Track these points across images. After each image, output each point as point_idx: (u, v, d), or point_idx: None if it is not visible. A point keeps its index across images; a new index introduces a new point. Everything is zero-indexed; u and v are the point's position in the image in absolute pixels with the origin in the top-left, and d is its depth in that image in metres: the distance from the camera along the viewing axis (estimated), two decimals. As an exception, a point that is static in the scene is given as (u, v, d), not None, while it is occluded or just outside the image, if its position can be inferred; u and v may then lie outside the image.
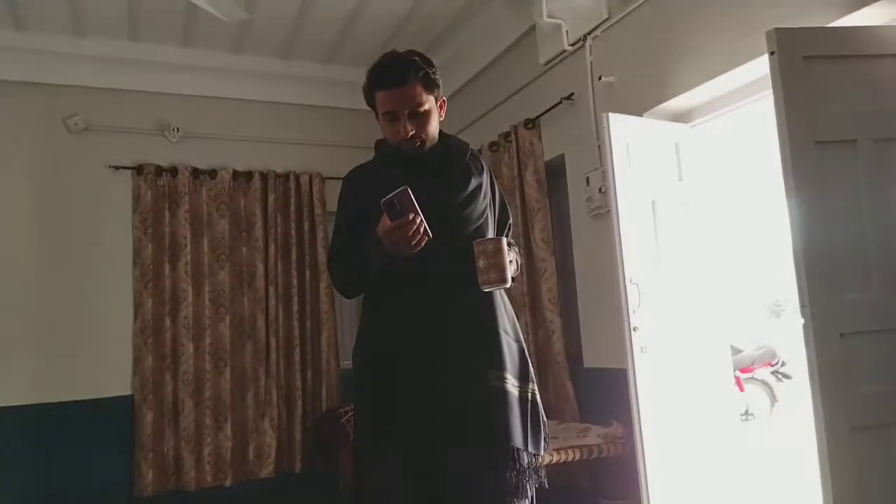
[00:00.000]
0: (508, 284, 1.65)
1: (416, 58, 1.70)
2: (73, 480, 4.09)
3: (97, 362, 4.24)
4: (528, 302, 3.83)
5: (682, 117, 3.19)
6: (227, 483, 4.37)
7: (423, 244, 1.59)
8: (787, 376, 5.89)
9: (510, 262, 1.66)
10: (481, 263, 1.62)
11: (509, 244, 1.74)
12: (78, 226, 4.34)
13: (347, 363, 4.96)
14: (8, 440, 3.99)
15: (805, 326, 2.01)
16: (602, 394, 3.44)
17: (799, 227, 2.07)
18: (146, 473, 4.18)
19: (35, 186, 4.28)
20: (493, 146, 4.18)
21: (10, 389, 4.03)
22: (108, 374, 4.25)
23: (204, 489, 4.32)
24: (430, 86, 1.71)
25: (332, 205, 4.85)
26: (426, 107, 1.70)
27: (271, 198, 4.77)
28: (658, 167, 3.02)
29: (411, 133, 1.70)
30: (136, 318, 4.33)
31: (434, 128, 1.76)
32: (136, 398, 4.25)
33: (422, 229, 1.57)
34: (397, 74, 1.67)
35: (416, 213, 1.56)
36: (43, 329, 4.17)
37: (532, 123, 3.91)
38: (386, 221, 1.58)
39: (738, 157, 3.10)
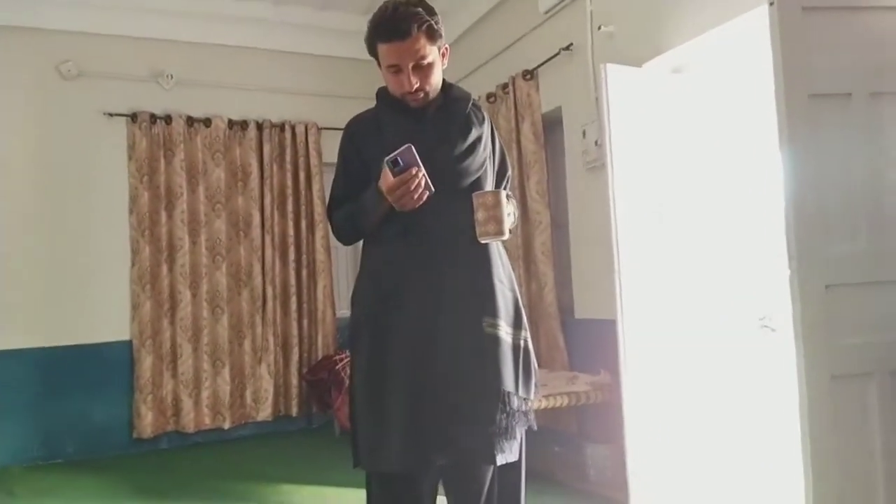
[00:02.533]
0: (506, 237, 1.68)
1: (420, 8, 1.68)
2: (74, 422, 4.20)
3: (96, 308, 4.30)
4: (521, 254, 3.87)
5: (680, 69, 3.16)
6: (226, 426, 4.49)
7: (424, 199, 1.62)
8: (771, 329, 6.01)
9: (508, 214, 1.68)
10: (480, 216, 1.64)
11: (508, 196, 1.76)
12: (74, 173, 4.33)
13: (343, 312, 5.03)
14: (11, 383, 4.08)
15: (791, 278, 2.05)
16: (591, 344, 3.51)
17: (790, 178, 2.08)
18: (145, 415, 4.28)
19: (30, 133, 4.26)
20: (491, 97, 4.15)
21: (13, 334, 4.10)
22: (107, 320, 4.31)
23: (203, 431, 4.44)
24: (434, 36, 1.70)
25: (328, 156, 4.91)
26: (430, 59, 1.70)
27: (267, 147, 4.75)
28: (654, 119, 3.01)
29: (416, 86, 1.70)
30: (133, 265, 4.37)
31: (437, 78, 1.76)
32: (135, 343, 4.33)
33: (423, 184, 1.60)
34: (401, 27, 1.65)
35: (419, 169, 1.58)
36: (43, 275, 4.22)
37: (530, 74, 3.88)
38: (389, 177, 1.60)
39: (732, 110, 3.08)
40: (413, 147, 1.58)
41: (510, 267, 1.85)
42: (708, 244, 3.06)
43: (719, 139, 3.15)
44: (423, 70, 1.70)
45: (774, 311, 2.98)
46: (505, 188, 1.88)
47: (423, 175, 1.59)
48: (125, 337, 4.34)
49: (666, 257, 2.94)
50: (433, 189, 1.62)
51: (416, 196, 1.61)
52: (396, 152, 1.57)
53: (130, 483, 3.65)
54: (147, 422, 4.29)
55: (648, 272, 2.88)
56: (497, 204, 1.64)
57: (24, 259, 4.18)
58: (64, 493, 3.51)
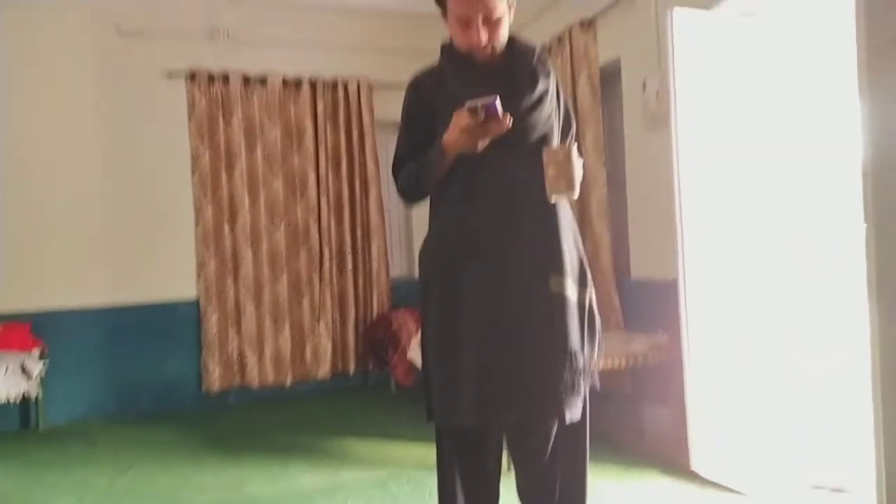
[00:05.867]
0: (576, 194, 1.64)
1: None
2: (147, 377, 4.43)
3: (164, 267, 4.48)
4: (577, 213, 3.77)
5: (751, 12, 2.97)
6: (287, 382, 4.66)
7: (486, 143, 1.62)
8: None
9: (577, 170, 1.63)
10: (551, 171, 1.61)
11: (578, 152, 1.72)
12: (137, 132, 4.45)
13: (397, 272, 5.09)
14: (87, 340, 4.31)
15: (867, 232, 1.95)
16: (647, 305, 3.45)
17: (868, 129, 1.96)
18: (213, 371, 4.48)
19: (93, 94, 4.38)
20: (546, 50, 4.02)
21: (87, 293, 4.32)
22: (175, 279, 4.49)
23: (266, 387, 4.62)
24: None
25: (381, 113, 4.89)
26: (500, 13, 1.67)
27: (320, 106, 4.77)
28: (722, 68, 2.86)
29: (485, 40, 1.67)
30: (197, 225, 4.51)
31: (505, 33, 1.73)
32: (202, 301, 4.50)
33: (504, 126, 1.59)
34: None
35: (500, 116, 1.57)
36: (112, 235, 4.39)
37: (588, 24, 3.73)
38: (464, 117, 1.58)
39: (808, 57, 2.89)
40: (498, 100, 1.55)
41: (575, 225, 1.83)
42: (774, 201, 2.93)
43: (792, 89, 2.98)
44: (493, 24, 1.67)
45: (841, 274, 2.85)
46: (571, 143, 1.83)
47: (507, 122, 1.58)
48: (192, 295, 4.51)
49: (728, 216, 2.83)
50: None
51: (487, 139, 1.60)
52: (482, 100, 1.54)
53: (202, 435, 3.84)
54: (215, 377, 4.49)
55: (710, 231, 2.78)
56: (568, 159, 1.60)
57: (94, 221, 4.35)
58: (140, 444, 3.72)
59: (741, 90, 2.92)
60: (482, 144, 1.62)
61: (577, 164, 1.63)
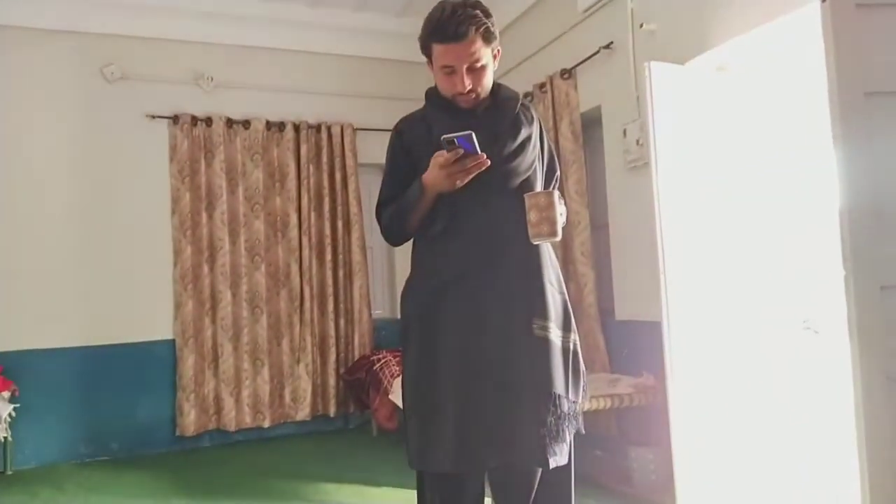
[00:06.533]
0: (558, 238, 1.67)
1: (478, 11, 1.67)
2: (119, 420, 4.30)
3: (141, 307, 4.40)
4: (560, 254, 3.85)
5: (725, 67, 3.12)
6: (266, 424, 4.56)
7: (466, 181, 1.63)
8: (815, 331, 5.91)
9: (560, 214, 1.67)
10: (533, 216, 1.64)
11: (559, 197, 1.75)
12: (117, 174, 4.43)
13: (379, 312, 5.07)
14: (58, 381, 4.18)
15: (846, 278, 2.00)
16: (633, 346, 3.48)
17: (844, 178, 2.04)
18: (188, 413, 4.36)
19: (75, 135, 4.36)
20: (528, 96, 4.14)
21: (60, 332, 4.21)
22: (151, 319, 4.41)
23: (244, 429, 4.51)
24: (490, 39, 1.70)
25: (364, 156, 4.95)
26: (484, 61, 1.70)
27: (304, 148, 4.80)
28: (699, 118, 2.98)
29: (469, 87, 1.70)
30: (175, 265, 4.45)
31: (489, 80, 1.76)
32: (178, 342, 4.41)
33: (481, 163, 1.61)
34: (459, 29, 1.64)
35: (477, 153, 1.59)
36: (89, 275, 4.31)
37: (568, 73, 3.86)
38: (442, 154, 1.60)
39: (779, 109, 3.02)
40: (474, 135, 1.57)
41: (559, 268, 1.84)
42: (752, 245, 3.01)
43: (765, 139, 3.10)
44: (477, 72, 1.70)
45: (818, 313, 2.92)
46: (554, 188, 1.87)
47: (485, 160, 1.60)
48: (168, 336, 4.42)
49: (710, 258, 2.90)
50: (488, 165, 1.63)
51: (469, 175, 1.62)
52: (456, 134, 1.56)
53: (175, 480, 3.72)
54: (190, 420, 4.37)
55: (692, 273, 2.84)
56: (550, 205, 1.63)
57: (70, 259, 4.28)
58: (110, 489, 3.60)
59: (718, 138, 3.03)
60: (460, 183, 1.63)
61: (560, 208, 1.66)
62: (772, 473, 2.81)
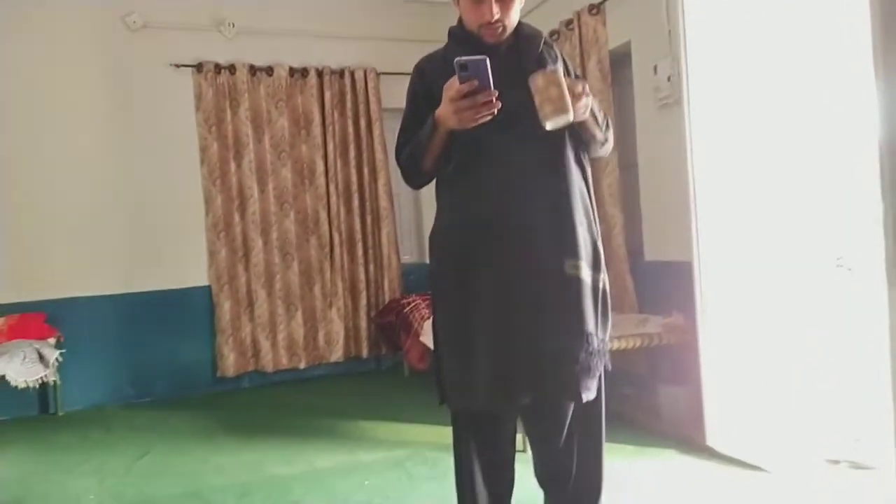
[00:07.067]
0: (568, 114, 1.53)
1: None
2: (162, 362, 4.48)
3: (177, 255, 4.52)
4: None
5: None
6: (301, 366, 4.71)
7: (484, 120, 1.56)
8: (847, 269, 5.83)
9: (566, 92, 1.54)
10: (537, 101, 1.54)
11: (565, 74, 1.66)
12: (146, 125, 4.47)
13: (407, 258, 5.12)
14: (103, 327, 4.35)
15: (885, 213, 1.96)
16: (661, 286, 3.48)
17: (884, 109, 1.97)
18: (227, 356, 4.53)
19: (102, 87, 4.39)
20: (554, 35, 4.03)
21: (100, 280, 4.35)
22: (188, 267, 4.53)
23: (280, 370, 4.67)
24: None
25: (388, 101, 4.91)
26: None
27: (327, 95, 4.77)
28: (734, 49, 2.87)
29: (497, 17, 1.66)
30: (207, 214, 4.53)
31: (516, 14, 1.71)
32: (214, 288, 4.54)
33: (490, 102, 1.52)
34: None
35: (489, 84, 1.50)
36: (126, 225, 4.43)
37: (597, 8, 3.73)
38: (454, 83, 1.54)
39: (824, 38, 2.88)
40: (488, 60, 1.49)
41: (591, 206, 1.79)
42: (785, 182, 2.94)
43: (803, 72, 2.98)
44: (506, 2, 1.66)
45: (852, 251, 2.87)
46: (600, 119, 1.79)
47: (493, 92, 1.52)
48: (204, 282, 4.55)
49: (741, 196, 2.85)
50: (495, 113, 1.55)
51: (478, 114, 1.54)
52: (468, 57, 1.49)
53: (217, 419, 3.89)
54: (229, 362, 4.53)
55: (723, 212, 2.80)
56: (548, 84, 1.53)
57: (106, 211, 4.38)
58: (156, 428, 3.77)
59: (753, 71, 2.93)
60: (472, 124, 1.56)
61: (562, 86, 1.54)
62: (801, 412, 2.82)
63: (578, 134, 1.78)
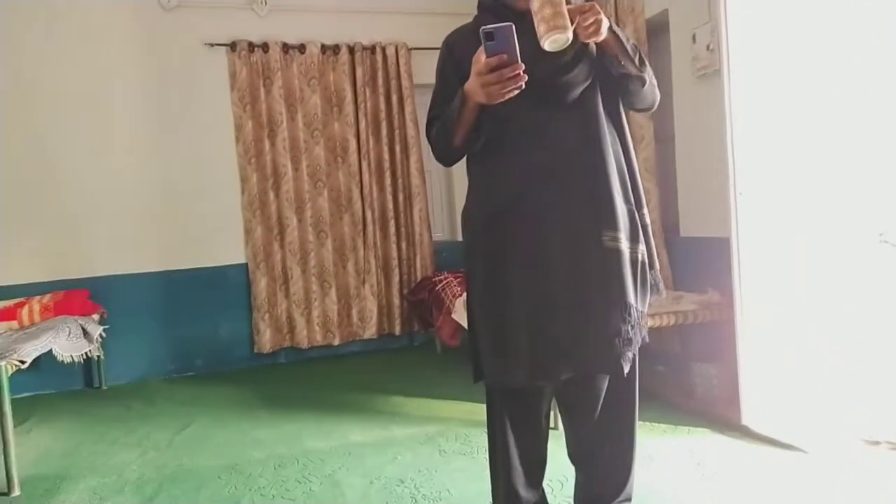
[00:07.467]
0: (567, 33, 1.45)
1: None
2: (201, 338, 4.59)
3: (214, 233, 4.60)
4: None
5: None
6: (336, 342, 4.78)
7: (512, 94, 1.51)
8: (892, 245, 5.62)
9: (588, 14, 1.48)
10: (535, 24, 1.48)
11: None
12: (181, 104, 4.53)
13: (439, 235, 5.12)
14: (145, 304, 4.48)
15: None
16: (697, 263, 3.41)
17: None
18: (264, 332, 4.62)
19: (139, 67, 4.45)
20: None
21: (141, 258, 4.47)
22: (225, 244, 4.61)
23: (315, 347, 4.75)
24: None
25: (419, 77, 4.86)
26: None
27: (359, 71, 4.76)
28: (775, 19, 2.76)
29: None
30: (243, 193, 4.59)
31: None
32: (251, 265, 4.61)
33: (518, 73, 1.47)
34: None
35: (515, 53, 1.45)
36: (163, 203, 4.52)
37: (633, -23, 3.62)
38: (481, 56, 1.49)
39: (868, 8, 2.74)
40: (514, 27, 1.44)
41: (629, 175, 1.73)
42: (827, 155, 2.84)
43: (848, 41, 2.85)
44: None
45: (894, 226, 2.76)
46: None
47: (519, 63, 1.46)
48: (241, 260, 4.63)
49: (781, 169, 2.76)
50: (522, 86, 1.49)
51: (505, 88, 1.49)
52: (494, 25, 1.44)
53: (255, 392, 3.98)
54: (266, 338, 4.62)
55: (763, 186, 2.72)
56: (542, 5, 1.46)
57: (144, 190, 4.47)
58: (197, 401, 3.88)
59: (795, 40, 2.81)
60: (500, 98, 1.51)
61: (556, 5, 1.46)
62: (840, 391, 2.75)
63: (614, 92, 1.71)
